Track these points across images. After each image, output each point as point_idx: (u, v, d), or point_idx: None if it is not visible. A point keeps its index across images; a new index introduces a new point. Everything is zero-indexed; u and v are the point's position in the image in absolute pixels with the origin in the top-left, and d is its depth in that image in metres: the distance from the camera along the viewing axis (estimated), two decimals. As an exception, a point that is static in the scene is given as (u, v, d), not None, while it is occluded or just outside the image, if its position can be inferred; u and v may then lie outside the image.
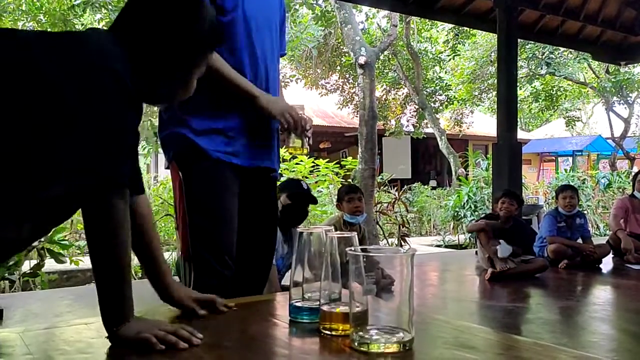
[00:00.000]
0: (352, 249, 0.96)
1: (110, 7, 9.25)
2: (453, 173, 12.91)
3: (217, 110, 1.82)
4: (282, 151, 2.09)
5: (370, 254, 0.93)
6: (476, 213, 8.61)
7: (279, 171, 2.09)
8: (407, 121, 14.60)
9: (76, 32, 1.14)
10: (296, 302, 1.13)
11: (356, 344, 0.93)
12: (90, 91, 0.98)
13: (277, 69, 2.02)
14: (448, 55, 13.96)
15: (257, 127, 1.90)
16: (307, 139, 1.94)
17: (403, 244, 7.17)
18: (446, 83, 14.36)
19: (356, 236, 1.08)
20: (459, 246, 8.76)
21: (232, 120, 1.84)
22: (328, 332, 1.02)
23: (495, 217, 4.38)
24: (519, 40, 6.23)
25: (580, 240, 4.76)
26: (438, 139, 13.06)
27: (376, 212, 7.87)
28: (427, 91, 13.69)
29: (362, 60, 7.92)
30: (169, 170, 1.91)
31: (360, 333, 0.93)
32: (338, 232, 1.12)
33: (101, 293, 1.02)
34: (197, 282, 1.79)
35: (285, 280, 3.11)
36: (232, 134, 1.84)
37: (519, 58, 9.54)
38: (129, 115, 1.05)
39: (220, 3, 1.79)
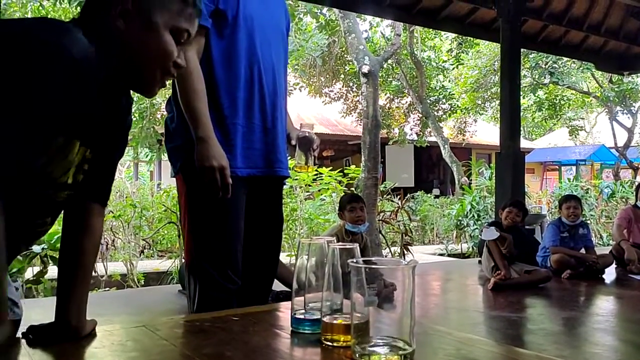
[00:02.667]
0: (354, 260, 0.96)
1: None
2: (456, 182, 12.90)
3: (224, 122, 1.80)
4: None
5: (372, 266, 0.93)
6: (479, 222, 8.59)
7: None
8: (411, 130, 14.62)
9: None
10: (298, 313, 1.13)
11: (357, 355, 0.93)
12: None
13: (286, 81, 2.02)
14: (452, 64, 14.00)
15: (266, 136, 1.89)
16: (313, 157, 1.95)
17: (406, 252, 7.15)
18: (449, 92, 14.38)
19: (358, 247, 1.08)
20: (461, 255, 8.75)
21: (240, 131, 1.83)
22: (329, 343, 1.02)
23: (500, 224, 4.38)
24: (522, 49, 6.24)
25: (583, 250, 4.74)
26: (441, 148, 13.06)
27: (379, 220, 7.86)
28: (430, 100, 13.71)
29: (365, 68, 7.95)
30: (173, 179, 1.91)
31: (362, 344, 0.93)
32: (340, 242, 1.12)
33: None
34: (202, 296, 1.78)
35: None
36: (242, 144, 1.83)
37: (522, 67, 9.52)
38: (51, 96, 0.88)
39: (223, 8, 1.77)
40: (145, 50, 1.06)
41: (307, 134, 1.96)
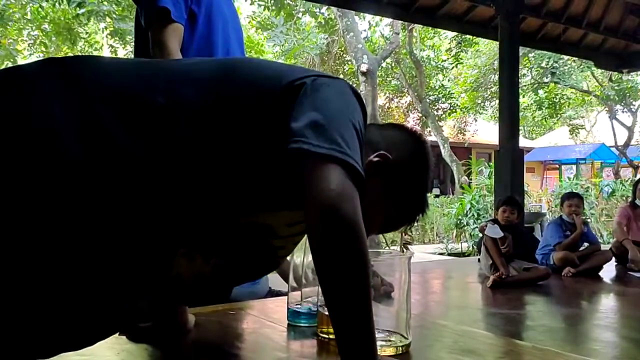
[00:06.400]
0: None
1: (114, 16, 9.31)
2: (456, 181, 12.90)
3: None
4: None
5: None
6: (479, 221, 8.59)
7: None
8: (410, 129, 14.60)
9: None
10: (294, 306, 1.13)
11: (353, 347, 0.92)
12: None
13: None
14: (451, 64, 13.99)
15: None
16: None
17: (405, 251, 7.15)
18: (449, 91, 14.37)
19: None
20: (461, 254, 8.74)
21: None
22: (325, 336, 1.02)
23: (497, 222, 4.38)
24: (521, 47, 6.24)
25: (585, 246, 4.75)
26: (441, 147, 13.06)
27: (379, 219, 7.85)
28: (430, 99, 13.70)
29: (364, 67, 7.95)
30: None
31: (358, 336, 0.92)
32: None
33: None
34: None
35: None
36: None
37: (523, 67, 9.51)
38: None
39: (196, 10, 1.70)
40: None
41: None
